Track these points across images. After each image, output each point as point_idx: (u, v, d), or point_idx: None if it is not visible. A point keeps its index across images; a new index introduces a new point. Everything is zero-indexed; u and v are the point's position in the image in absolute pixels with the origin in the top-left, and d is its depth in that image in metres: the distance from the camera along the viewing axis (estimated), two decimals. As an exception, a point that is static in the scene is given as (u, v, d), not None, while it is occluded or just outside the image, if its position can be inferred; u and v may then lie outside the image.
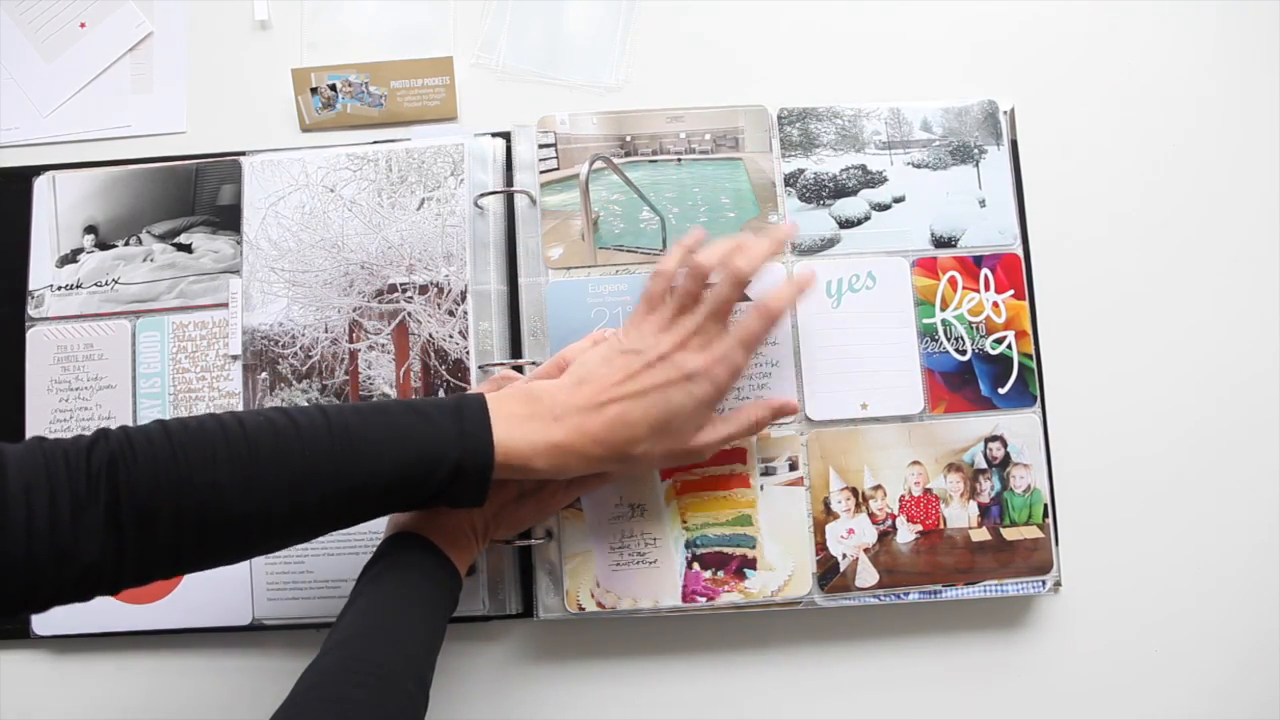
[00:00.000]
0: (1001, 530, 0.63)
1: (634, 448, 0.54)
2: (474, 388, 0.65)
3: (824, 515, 0.63)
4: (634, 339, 0.56)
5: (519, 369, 0.65)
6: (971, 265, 0.65)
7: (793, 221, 0.65)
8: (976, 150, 0.66)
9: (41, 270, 0.69)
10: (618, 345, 0.56)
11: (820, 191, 0.66)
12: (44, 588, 0.44)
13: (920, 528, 0.63)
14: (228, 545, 0.48)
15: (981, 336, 0.65)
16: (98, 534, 0.44)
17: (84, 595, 0.46)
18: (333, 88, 0.71)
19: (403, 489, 0.50)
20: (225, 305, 0.67)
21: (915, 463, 0.63)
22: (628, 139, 0.67)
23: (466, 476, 0.51)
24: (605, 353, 0.56)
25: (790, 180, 0.66)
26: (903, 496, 0.63)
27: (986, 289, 0.65)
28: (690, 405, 0.55)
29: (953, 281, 0.65)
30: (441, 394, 0.65)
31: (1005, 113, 0.67)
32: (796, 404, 0.63)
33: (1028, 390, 0.64)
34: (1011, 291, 0.65)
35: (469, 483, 0.51)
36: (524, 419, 0.53)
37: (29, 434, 0.67)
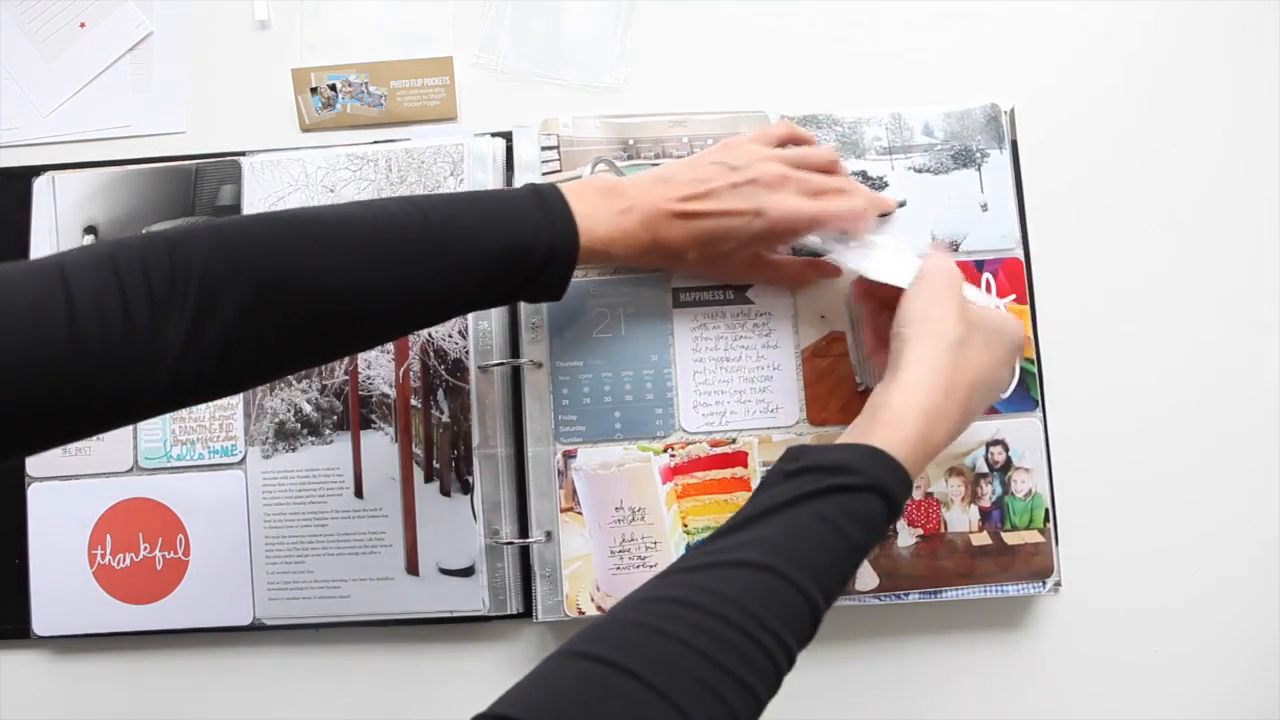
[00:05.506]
0: (1002, 534, 0.63)
1: (684, 255, 0.58)
2: (472, 386, 0.65)
3: (824, 518, 0.63)
4: (733, 154, 0.58)
5: (518, 369, 0.65)
6: (973, 270, 0.65)
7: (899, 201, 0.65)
8: (979, 154, 0.66)
9: (41, 270, 0.69)
10: (709, 156, 0.59)
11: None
12: (141, 396, 0.43)
13: (921, 531, 0.63)
14: (332, 322, 0.48)
15: (983, 340, 0.64)
16: (184, 329, 0.43)
17: (178, 400, 0.45)
18: (333, 88, 0.71)
19: (496, 273, 0.52)
20: (225, 306, 0.67)
21: (916, 466, 0.63)
22: (630, 143, 0.66)
23: (557, 262, 0.53)
24: (694, 160, 0.59)
25: (791, 184, 0.66)
26: (903, 500, 0.63)
27: (988, 293, 0.65)
28: (742, 237, 0.57)
29: (954, 285, 0.65)
30: (441, 393, 0.65)
31: (1006, 113, 0.67)
32: (839, 269, 0.64)
33: (1029, 395, 0.64)
34: (1013, 296, 0.64)
35: (557, 269, 0.53)
36: (601, 207, 0.55)
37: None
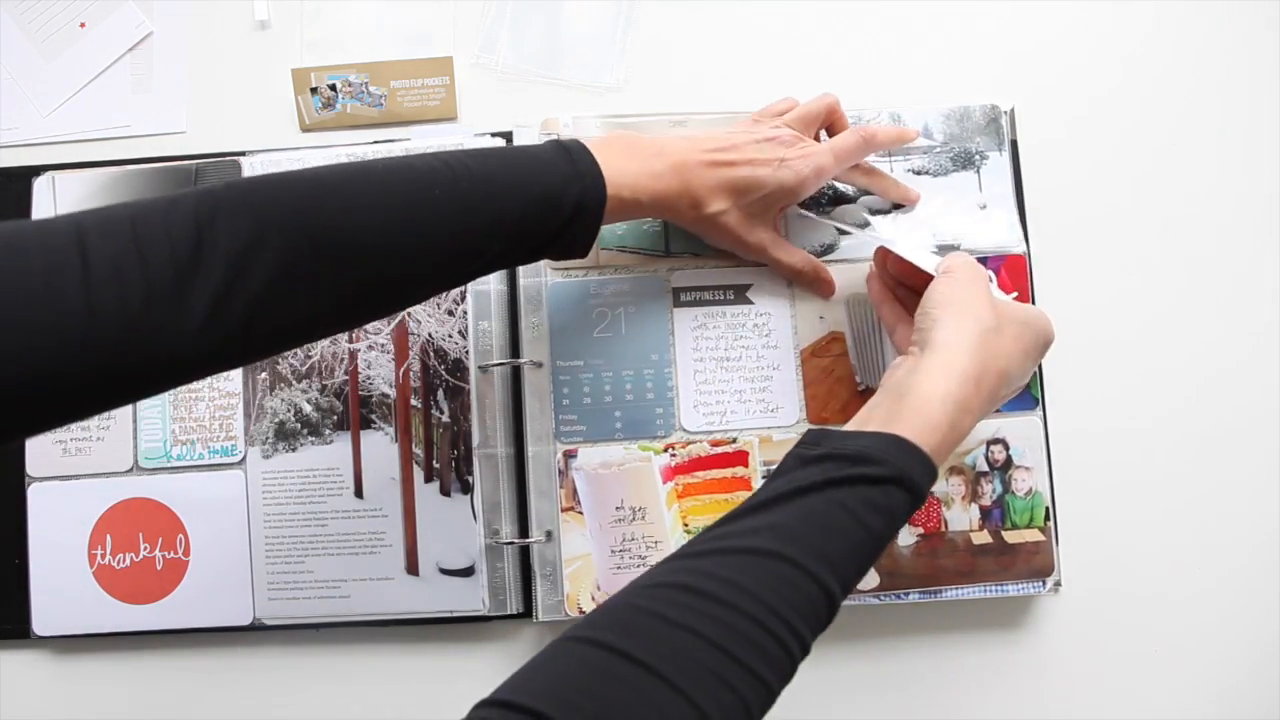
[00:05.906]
0: (1003, 533, 0.63)
1: (711, 204, 0.58)
2: (472, 386, 0.65)
3: (824, 517, 0.63)
4: (750, 123, 0.62)
5: (518, 369, 0.65)
6: (974, 268, 0.65)
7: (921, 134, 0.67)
8: (978, 156, 0.66)
9: (41, 270, 0.69)
10: (731, 126, 0.62)
11: (819, 198, 0.66)
12: (163, 371, 0.42)
13: (921, 530, 0.63)
14: (361, 285, 0.47)
15: (983, 339, 0.64)
16: (208, 299, 0.42)
17: (200, 371, 0.44)
18: (333, 88, 0.71)
19: (525, 229, 0.51)
20: (225, 306, 0.67)
21: (916, 465, 0.63)
22: (629, 142, 0.66)
23: (585, 215, 0.52)
24: (718, 129, 0.62)
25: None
26: (903, 499, 0.63)
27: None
28: (771, 184, 0.58)
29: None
30: (441, 393, 0.65)
31: (1006, 113, 0.67)
32: (834, 285, 0.64)
33: (1029, 393, 0.64)
34: (1015, 294, 0.64)
35: (586, 222, 0.53)
36: (628, 158, 0.55)
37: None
